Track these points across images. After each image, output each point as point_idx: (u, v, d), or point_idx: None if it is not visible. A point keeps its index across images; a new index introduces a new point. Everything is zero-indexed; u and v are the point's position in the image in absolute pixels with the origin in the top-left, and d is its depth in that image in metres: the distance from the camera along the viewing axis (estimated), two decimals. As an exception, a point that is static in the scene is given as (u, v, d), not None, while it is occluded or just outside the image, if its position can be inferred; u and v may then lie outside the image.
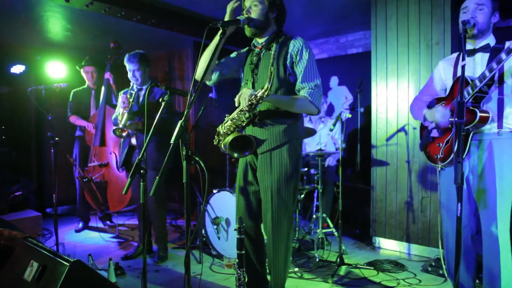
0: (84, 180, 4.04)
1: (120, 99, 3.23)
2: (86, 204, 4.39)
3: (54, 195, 3.19)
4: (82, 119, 4.28)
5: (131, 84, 3.38)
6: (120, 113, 3.23)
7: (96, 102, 4.36)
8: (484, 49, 2.08)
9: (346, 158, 4.42)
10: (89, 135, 4.21)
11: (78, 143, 4.44)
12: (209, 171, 1.70)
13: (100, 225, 4.62)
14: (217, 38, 1.95)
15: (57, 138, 3.21)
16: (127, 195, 3.85)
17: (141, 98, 3.36)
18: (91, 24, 4.33)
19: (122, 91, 3.43)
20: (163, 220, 3.45)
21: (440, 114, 2.15)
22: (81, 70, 4.38)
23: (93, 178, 4.02)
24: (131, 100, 3.22)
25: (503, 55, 1.85)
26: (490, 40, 2.11)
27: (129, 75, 3.30)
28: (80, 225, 4.47)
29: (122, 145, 3.41)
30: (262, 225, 2.26)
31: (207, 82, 2.21)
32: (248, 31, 2.03)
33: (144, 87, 3.35)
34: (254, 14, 2.02)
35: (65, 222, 4.86)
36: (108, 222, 4.65)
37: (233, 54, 2.27)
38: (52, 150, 3.22)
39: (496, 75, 2.02)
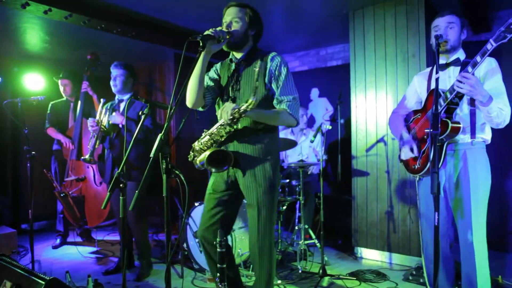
0: (61, 195, 3.94)
1: (88, 122, 3.18)
2: (64, 219, 4.28)
3: (30, 211, 3.10)
4: (59, 133, 4.19)
5: (115, 97, 3.36)
6: (90, 136, 3.19)
7: (74, 115, 4.29)
8: (455, 63, 2.18)
9: (328, 169, 4.46)
10: (67, 149, 4.13)
11: (56, 157, 4.34)
12: (191, 184, 1.69)
13: (79, 240, 4.50)
14: (199, 63, 1.96)
15: (33, 152, 3.13)
16: (105, 209, 3.77)
17: (121, 111, 3.32)
18: (70, 36, 4.28)
19: (101, 105, 3.38)
20: (144, 235, 3.38)
21: (404, 154, 2.33)
22: (58, 82, 4.32)
23: (70, 192, 3.93)
24: (102, 120, 3.15)
25: (469, 68, 1.93)
26: (460, 54, 2.21)
27: (111, 81, 3.29)
28: (58, 241, 4.34)
29: (106, 162, 3.34)
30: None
31: (200, 109, 2.21)
32: (226, 45, 2.05)
33: (125, 99, 3.33)
34: (234, 30, 2.04)
35: (42, 238, 4.71)
36: (84, 239, 4.54)
37: (213, 74, 2.25)
38: (28, 164, 3.14)
39: None
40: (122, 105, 3.34)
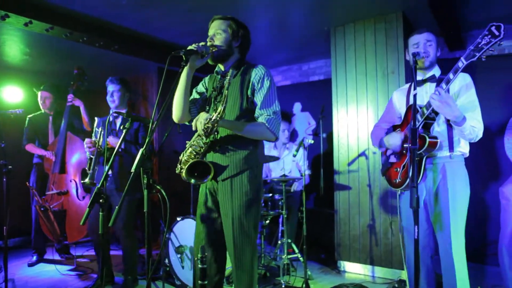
0: (42, 209, 3.83)
1: (85, 143, 3.07)
2: (42, 235, 4.15)
3: (5, 227, 2.99)
4: (39, 148, 4.09)
5: (110, 112, 3.31)
6: (88, 158, 3.10)
7: (54, 129, 4.20)
8: (431, 79, 2.25)
9: (311, 183, 4.48)
10: (48, 162, 4.02)
11: (36, 170, 4.23)
12: (173, 198, 1.66)
13: (57, 257, 4.36)
14: (183, 78, 1.96)
15: (10, 166, 3.05)
16: (85, 225, 3.68)
17: (117, 125, 3.27)
18: (51, 48, 4.23)
19: (96, 124, 3.32)
20: (134, 250, 3.28)
21: (393, 140, 2.30)
22: (38, 93, 4.24)
23: (51, 207, 3.82)
24: (99, 140, 3.09)
25: (443, 85, 2.00)
26: (436, 71, 2.29)
27: (108, 97, 3.25)
28: (34, 258, 4.20)
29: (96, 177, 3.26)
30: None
31: (187, 123, 2.19)
32: (210, 58, 2.05)
33: (120, 115, 3.26)
34: (217, 42, 2.05)
35: (17, 255, 4.55)
36: (64, 254, 4.40)
37: (200, 87, 2.26)
38: (5, 179, 3.05)
39: None
40: (118, 122, 3.29)
